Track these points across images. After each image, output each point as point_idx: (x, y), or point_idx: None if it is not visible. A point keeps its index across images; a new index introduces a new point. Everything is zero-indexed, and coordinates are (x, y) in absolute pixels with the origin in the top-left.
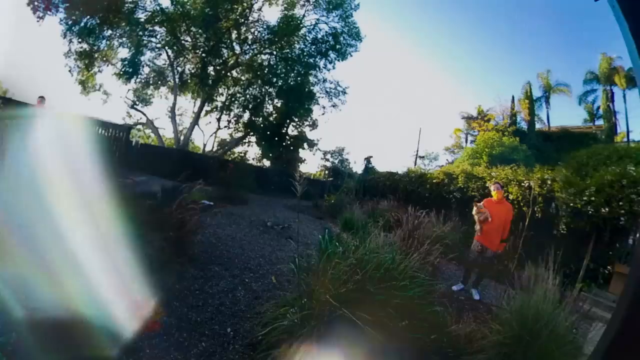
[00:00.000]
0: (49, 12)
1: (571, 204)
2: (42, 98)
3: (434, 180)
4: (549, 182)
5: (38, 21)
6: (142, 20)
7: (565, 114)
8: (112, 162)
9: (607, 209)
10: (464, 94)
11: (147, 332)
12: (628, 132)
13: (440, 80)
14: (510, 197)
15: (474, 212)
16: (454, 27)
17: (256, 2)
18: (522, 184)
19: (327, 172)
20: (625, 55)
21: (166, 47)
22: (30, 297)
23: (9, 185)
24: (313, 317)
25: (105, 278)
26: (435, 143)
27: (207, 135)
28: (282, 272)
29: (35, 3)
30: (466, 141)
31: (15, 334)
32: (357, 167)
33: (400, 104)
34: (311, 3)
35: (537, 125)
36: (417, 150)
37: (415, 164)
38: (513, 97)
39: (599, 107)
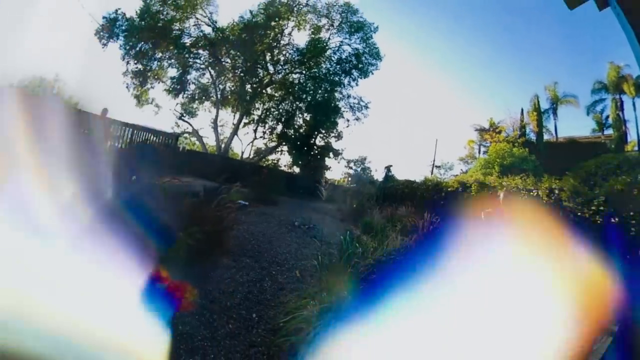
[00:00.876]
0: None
1: (579, 214)
2: (105, 110)
3: (449, 189)
4: (556, 191)
5: (103, 47)
6: (187, 44)
7: (574, 124)
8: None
9: (617, 219)
10: (477, 108)
11: (182, 310)
12: (639, 140)
13: (455, 95)
14: None
15: (482, 217)
16: (466, 46)
17: (286, 28)
18: (531, 193)
19: (350, 179)
20: (633, 63)
21: (209, 68)
22: None
23: None
24: (331, 310)
25: (153, 261)
26: (451, 153)
27: (245, 144)
28: (305, 268)
29: (100, 33)
30: (479, 152)
31: None
32: (378, 175)
33: (418, 117)
34: (335, 27)
35: (545, 137)
36: (434, 160)
37: (431, 173)
38: (522, 109)
39: (608, 117)
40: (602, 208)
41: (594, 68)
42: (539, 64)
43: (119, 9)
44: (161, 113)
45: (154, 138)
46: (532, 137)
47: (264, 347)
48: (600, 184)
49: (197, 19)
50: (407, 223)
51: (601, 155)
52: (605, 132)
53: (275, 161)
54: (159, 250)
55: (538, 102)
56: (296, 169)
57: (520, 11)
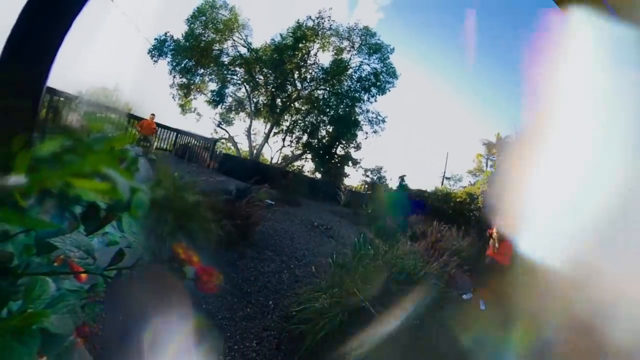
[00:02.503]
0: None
1: None
2: (153, 115)
3: (457, 199)
4: None
5: (154, 63)
6: (226, 62)
7: None
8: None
9: None
10: (485, 123)
11: (206, 292)
12: None
13: (465, 110)
14: None
15: (497, 230)
16: (477, 66)
17: (312, 50)
18: None
19: (366, 186)
20: None
21: (244, 83)
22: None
23: None
24: (340, 305)
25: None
26: (460, 166)
27: (274, 150)
28: (321, 264)
29: (152, 52)
30: (486, 165)
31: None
32: (392, 184)
33: (431, 130)
34: (355, 49)
35: None
36: (444, 172)
37: (442, 184)
38: None
39: None
40: None
41: None
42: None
43: (168, 31)
44: (202, 121)
45: (195, 142)
46: None
47: (276, 332)
48: None
49: (234, 40)
50: (417, 230)
51: None
52: None
53: (300, 167)
54: (192, 236)
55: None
56: (318, 175)
57: (527, 30)
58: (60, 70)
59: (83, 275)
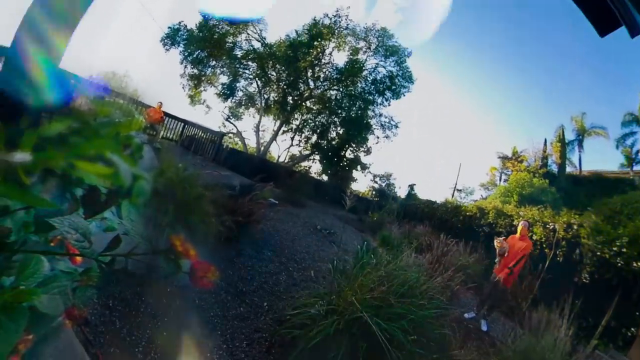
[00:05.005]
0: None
1: (598, 253)
2: (160, 103)
3: (467, 213)
4: (575, 226)
5: (166, 52)
6: (238, 56)
7: (602, 158)
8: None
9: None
10: (502, 135)
11: (200, 287)
12: None
13: (482, 122)
14: (534, 237)
15: (495, 244)
16: (494, 74)
17: (327, 48)
18: (547, 226)
19: (374, 192)
20: None
21: (256, 78)
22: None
23: None
24: (336, 313)
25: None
26: (473, 178)
27: (282, 149)
28: (320, 269)
29: (165, 40)
30: (500, 179)
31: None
32: (401, 192)
33: (444, 140)
34: (371, 50)
35: (568, 169)
36: (456, 184)
37: (452, 196)
38: (545, 140)
39: (638, 151)
40: (625, 250)
41: (626, 99)
42: (568, 93)
43: (182, 21)
44: (211, 113)
45: (202, 134)
46: (554, 168)
47: (268, 335)
48: (625, 224)
49: (248, 34)
50: (423, 242)
51: (628, 192)
52: (635, 168)
53: (307, 168)
54: (191, 229)
55: (563, 133)
56: (325, 177)
57: (551, 41)
58: (72, 52)
59: (78, 258)
